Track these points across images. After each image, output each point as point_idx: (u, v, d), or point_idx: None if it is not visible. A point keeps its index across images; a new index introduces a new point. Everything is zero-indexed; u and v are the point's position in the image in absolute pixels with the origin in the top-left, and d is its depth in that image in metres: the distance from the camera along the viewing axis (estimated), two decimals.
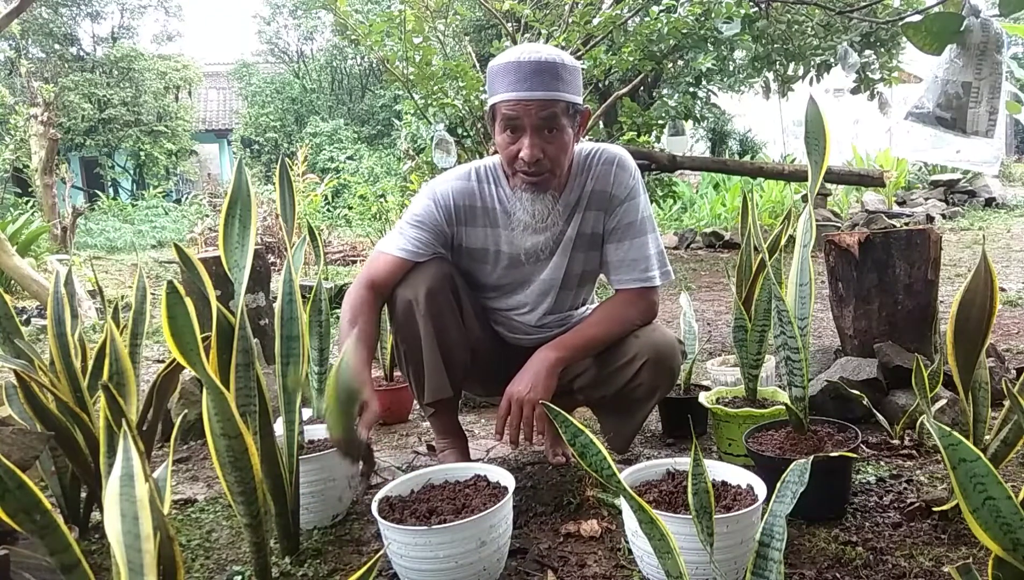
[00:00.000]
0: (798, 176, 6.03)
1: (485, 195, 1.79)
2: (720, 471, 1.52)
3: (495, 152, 1.78)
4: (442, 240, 1.79)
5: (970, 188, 9.03)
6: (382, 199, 8.01)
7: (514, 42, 4.97)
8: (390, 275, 1.77)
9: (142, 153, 16.34)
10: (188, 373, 1.95)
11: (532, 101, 1.58)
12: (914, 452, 1.96)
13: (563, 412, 1.06)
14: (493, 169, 1.81)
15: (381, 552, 1.15)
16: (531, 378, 1.68)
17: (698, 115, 7.70)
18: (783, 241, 1.98)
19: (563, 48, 4.77)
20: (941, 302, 2.32)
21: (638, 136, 5.95)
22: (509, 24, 5.07)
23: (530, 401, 1.65)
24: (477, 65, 5.32)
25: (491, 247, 1.81)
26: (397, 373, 2.55)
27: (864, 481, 1.80)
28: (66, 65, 16.35)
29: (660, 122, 6.37)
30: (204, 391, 1.27)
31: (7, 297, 1.75)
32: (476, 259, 1.83)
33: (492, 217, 1.79)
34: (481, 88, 4.97)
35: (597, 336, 1.74)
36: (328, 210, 10.70)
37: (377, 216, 7.66)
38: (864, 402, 1.97)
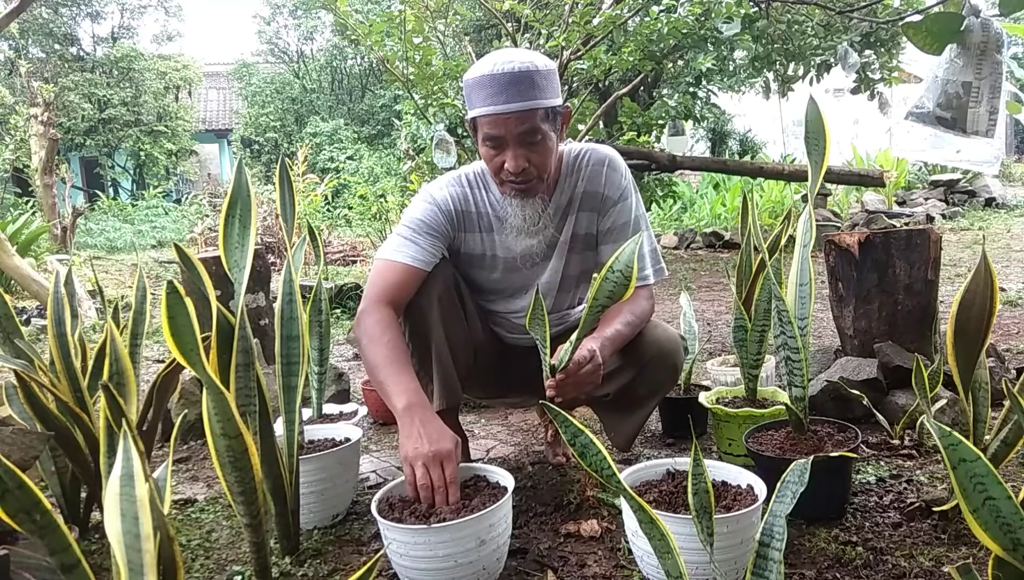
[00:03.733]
0: (798, 176, 6.03)
1: (478, 201, 1.78)
2: (720, 471, 1.52)
3: None
4: (447, 244, 1.78)
5: (970, 188, 9.03)
6: (382, 199, 8.01)
7: (514, 42, 4.96)
8: (408, 287, 1.70)
9: (142, 153, 16.35)
10: (188, 373, 1.95)
11: (510, 114, 1.56)
12: (914, 452, 1.96)
13: (563, 412, 1.06)
14: (481, 174, 1.79)
15: (381, 552, 1.15)
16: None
17: (698, 115, 7.69)
18: (783, 241, 1.98)
19: (563, 48, 4.77)
20: (941, 302, 2.32)
21: (638, 136, 5.95)
22: (509, 24, 5.07)
23: (598, 363, 1.58)
24: None
25: (487, 252, 1.81)
26: None
27: (864, 481, 1.80)
28: (66, 65, 16.34)
29: (660, 122, 6.37)
30: (204, 391, 1.27)
31: (7, 297, 1.75)
32: (474, 265, 1.83)
33: (486, 222, 1.79)
34: None
35: (626, 333, 1.71)
36: (328, 210, 10.69)
37: (377, 216, 7.66)
38: (864, 402, 1.97)
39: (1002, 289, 4.06)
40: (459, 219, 1.78)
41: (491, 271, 1.83)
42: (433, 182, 1.84)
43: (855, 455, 1.61)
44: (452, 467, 1.45)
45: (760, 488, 1.42)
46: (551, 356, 1.52)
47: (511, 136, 1.58)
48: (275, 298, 1.71)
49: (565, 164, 1.77)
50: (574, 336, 1.49)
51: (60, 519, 0.97)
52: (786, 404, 1.68)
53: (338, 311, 4.77)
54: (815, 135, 1.60)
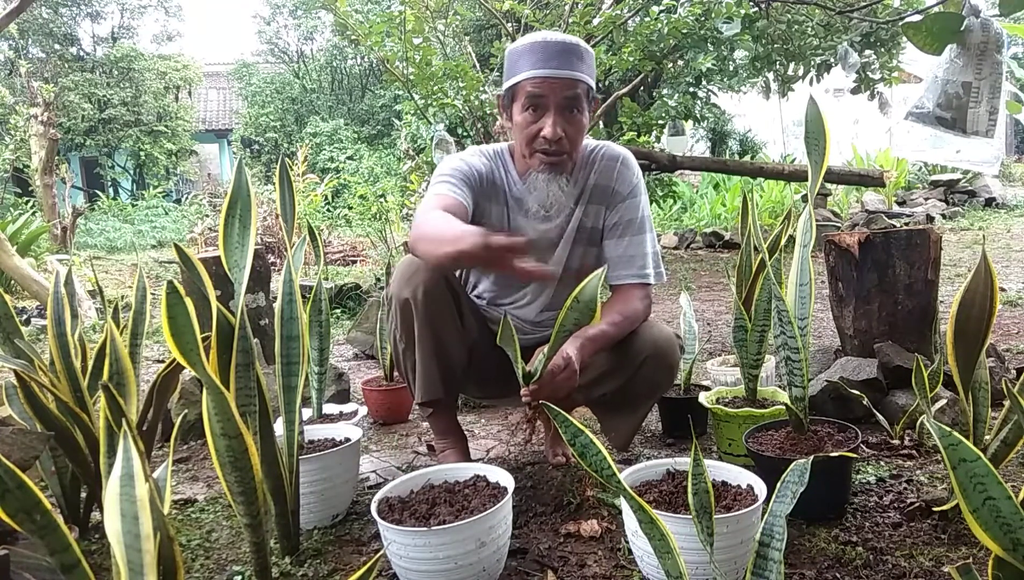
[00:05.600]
0: (798, 176, 6.03)
1: (497, 176, 1.82)
2: (720, 471, 1.52)
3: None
4: (475, 201, 1.76)
5: (970, 188, 9.03)
6: (382, 199, 8.00)
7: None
8: (454, 209, 1.62)
9: (142, 153, 16.34)
10: (188, 373, 1.95)
11: (558, 79, 1.62)
12: (914, 452, 1.96)
13: (563, 412, 1.06)
14: (501, 153, 1.84)
15: (381, 552, 1.15)
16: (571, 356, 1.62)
17: (698, 115, 7.68)
18: (783, 241, 1.97)
19: None
20: (941, 302, 2.32)
21: (638, 136, 5.95)
22: (509, 24, 5.07)
23: (573, 370, 1.58)
24: (477, 65, 5.32)
25: (503, 226, 1.83)
26: (396, 374, 2.55)
27: (864, 481, 1.80)
28: (66, 65, 16.34)
29: (660, 122, 6.36)
30: (204, 391, 1.27)
31: (7, 297, 1.75)
32: None
33: (503, 197, 1.82)
34: (481, 88, 4.96)
35: (611, 333, 1.72)
36: (328, 210, 10.69)
37: (377, 216, 7.65)
38: (864, 402, 1.97)
39: (1002, 289, 4.06)
40: (485, 185, 1.80)
41: None
42: (459, 152, 1.88)
43: (855, 455, 1.61)
44: (498, 237, 1.25)
45: (760, 488, 1.42)
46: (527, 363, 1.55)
47: (555, 101, 1.63)
48: (275, 298, 1.71)
49: (581, 157, 1.80)
50: (547, 347, 1.52)
51: (60, 519, 0.97)
52: (786, 404, 1.68)
53: (338, 311, 4.77)
54: (815, 135, 1.60)
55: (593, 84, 1.68)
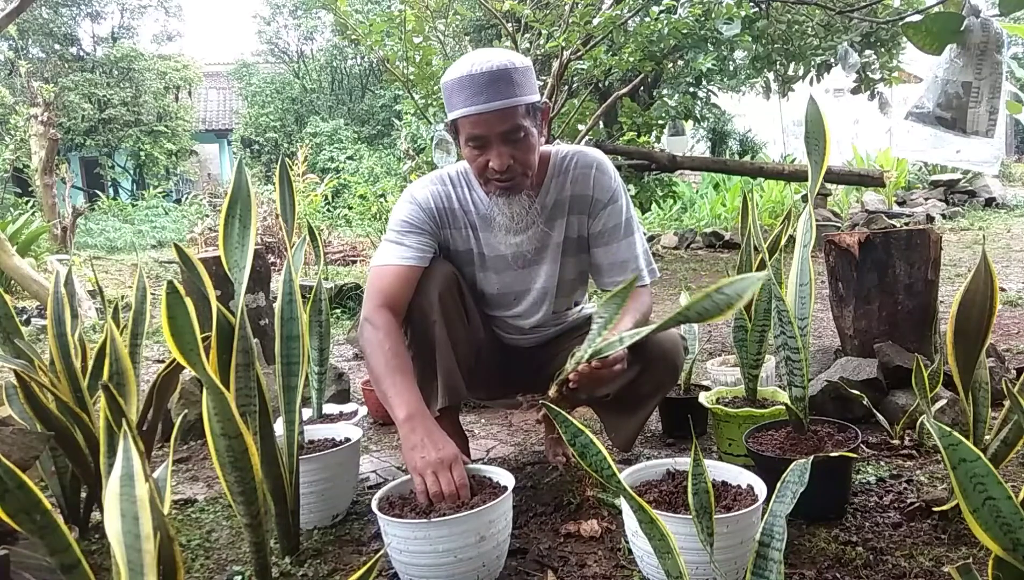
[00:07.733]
0: (798, 176, 6.03)
1: (461, 198, 1.79)
2: (720, 471, 1.52)
3: None
4: (436, 241, 1.78)
5: (970, 188, 9.03)
6: (382, 199, 8.01)
7: (514, 42, 4.96)
8: (404, 288, 1.71)
9: (142, 153, 16.33)
10: (188, 373, 1.95)
11: (492, 113, 1.56)
12: (914, 452, 1.96)
13: (563, 412, 1.06)
14: (464, 174, 1.80)
15: (381, 552, 1.15)
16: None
17: (698, 115, 7.69)
18: (783, 241, 1.98)
19: (563, 48, 4.77)
20: (941, 302, 2.32)
21: (638, 136, 5.95)
22: (509, 24, 5.07)
23: (616, 358, 1.55)
24: None
25: (474, 249, 1.81)
26: None
27: (864, 481, 1.80)
28: (66, 65, 16.34)
29: (660, 122, 6.37)
30: (204, 391, 1.27)
31: (7, 297, 1.75)
32: (462, 263, 1.83)
33: (470, 220, 1.79)
34: None
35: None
36: (328, 210, 10.69)
37: (377, 216, 7.66)
38: (864, 402, 1.97)
39: (1002, 289, 4.06)
40: (442, 216, 1.78)
41: (481, 269, 1.83)
42: (414, 183, 1.85)
43: (855, 455, 1.61)
44: (460, 470, 1.47)
45: (760, 488, 1.42)
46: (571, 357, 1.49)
47: (494, 135, 1.59)
48: (275, 298, 1.71)
49: (552, 165, 1.77)
50: (595, 328, 1.43)
51: (60, 519, 0.97)
52: (786, 404, 1.68)
53: (338, 311, 4.77)
54: (815, 135, 1.60)
55: (533, 98, 1.61)
